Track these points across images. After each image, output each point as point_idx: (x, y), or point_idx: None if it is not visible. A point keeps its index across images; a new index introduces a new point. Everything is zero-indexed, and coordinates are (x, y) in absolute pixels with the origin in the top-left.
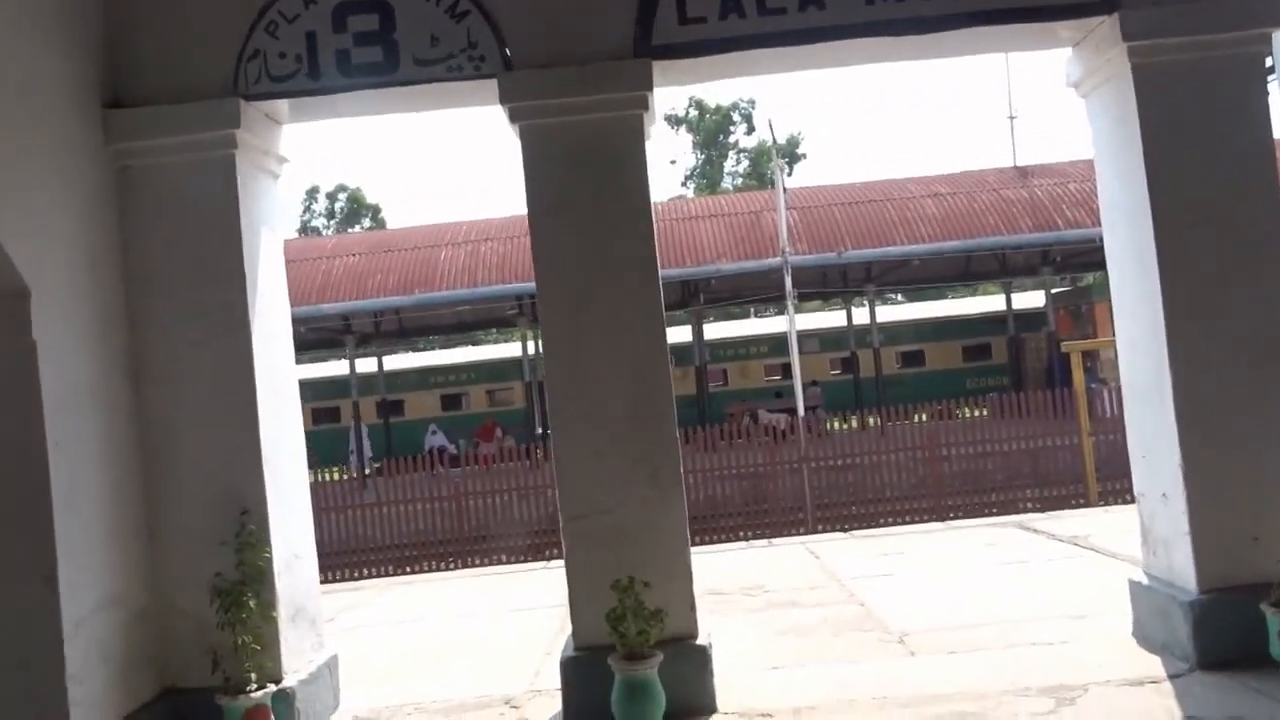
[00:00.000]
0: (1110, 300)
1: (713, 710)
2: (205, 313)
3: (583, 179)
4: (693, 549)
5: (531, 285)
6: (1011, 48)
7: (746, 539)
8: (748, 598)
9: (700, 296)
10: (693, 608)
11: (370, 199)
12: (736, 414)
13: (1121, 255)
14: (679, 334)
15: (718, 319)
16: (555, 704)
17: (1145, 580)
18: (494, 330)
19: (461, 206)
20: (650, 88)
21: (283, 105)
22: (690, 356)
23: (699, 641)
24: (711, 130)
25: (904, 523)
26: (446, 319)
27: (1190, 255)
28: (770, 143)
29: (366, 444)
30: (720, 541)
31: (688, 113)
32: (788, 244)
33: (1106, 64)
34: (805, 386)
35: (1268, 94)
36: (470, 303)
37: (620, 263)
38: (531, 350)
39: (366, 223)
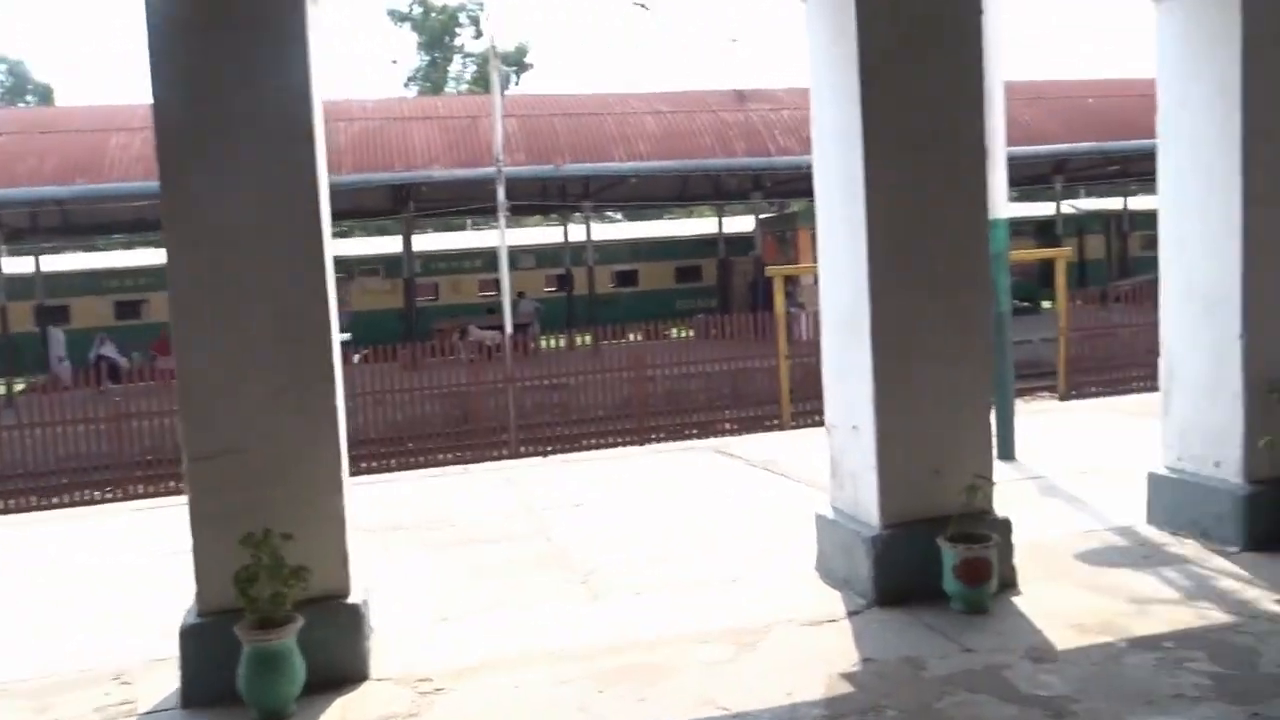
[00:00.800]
0: (815, 227)
1: (364, 677)
2: None
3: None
4: (384, 476)
5: None
6: None
7: (446, 464)
8: (431, 532)
9: (411, 204)
10: (345, 561)
11: (41, 77)
12: (446, 330)
13: (829, 180)
14: (391, 244)
15: (437, 229)
16: (176, 678)
17: (831, 514)
18: None
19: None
20: None
21: None
22: (399, 268)
23: (352, 600)
24: (436, 31)
25: (608, 445)
26: (124, 215)
27: (896, 183)
28: (493, 46)
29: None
30: (418, 467)
31: (411, 9)
32: (502, 154)
33: None
34: (516, 300)
35: (980, 19)
36: (145, 198)
37: (261, 132)
38: None
39: (31, 102)
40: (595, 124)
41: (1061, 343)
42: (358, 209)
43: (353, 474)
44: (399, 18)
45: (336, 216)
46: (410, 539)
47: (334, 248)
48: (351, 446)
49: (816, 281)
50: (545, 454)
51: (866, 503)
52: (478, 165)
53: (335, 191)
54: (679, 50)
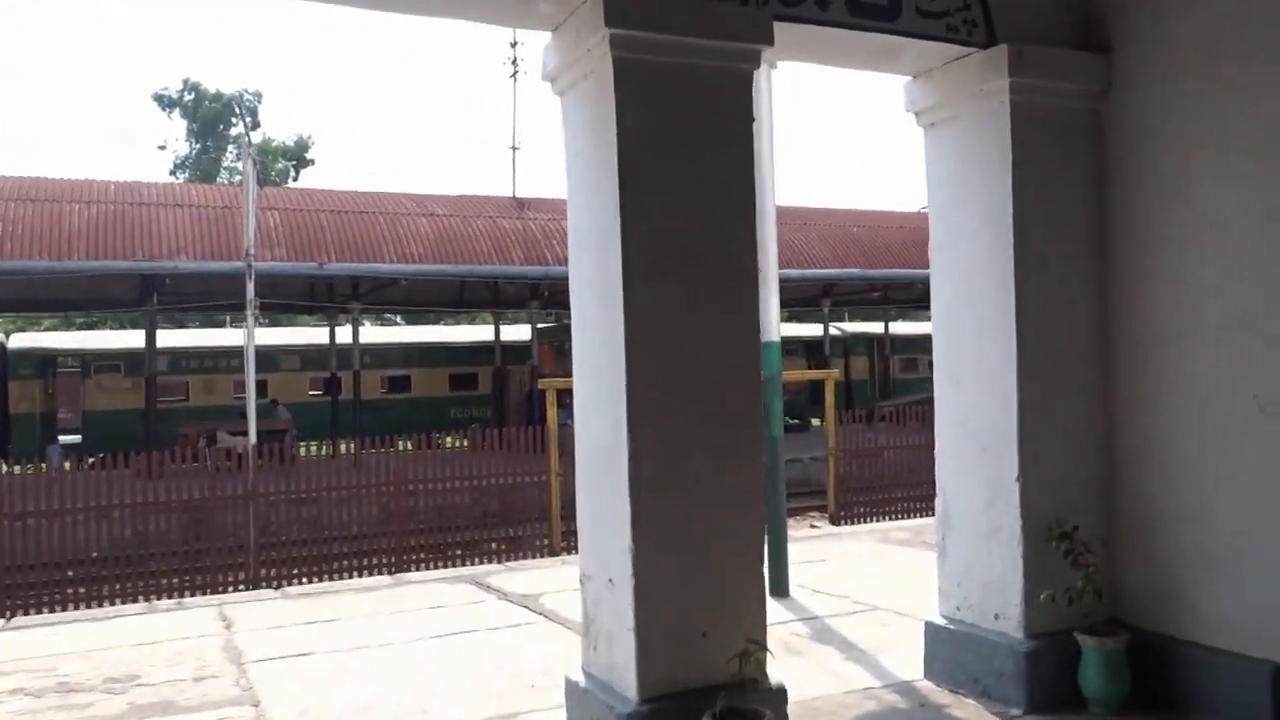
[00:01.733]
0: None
1: None
2: None
3: None
4: (77, 614)
5: None
6: (484, 15)
7: (172, 590)
8: (107, 698)
9: (154, 296)
10: None
11: None
12: (191, 435)
13: (585, 294)
14: (135, 338)
15: (201, 325)
16: None
17: (583, 681)
18: None
19: None
20: None
21: None
22: (143, 365)
23: None
24: (209, 118)
25: (363, 568)
26: None
27: (659, 294)
28: (253, 139)
29: None
30: (132, 599)
31: (181, 96)
32: (254, 247)
33: (587, 55)
34: (267, 406)
35: (751, 119)
36: None
37: None
38: None
39: None
40: (366, 223)
41: (831, 463)
42: (96, 298)
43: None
44: (166, 103)
45: (70, 306)
46: (76, 711)
47: (67, 340)
48: (62, 570)
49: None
50: (284, 583)
51: (623, 669)
52: (232, 258)
53: (68, 279)
54: (464, 156)
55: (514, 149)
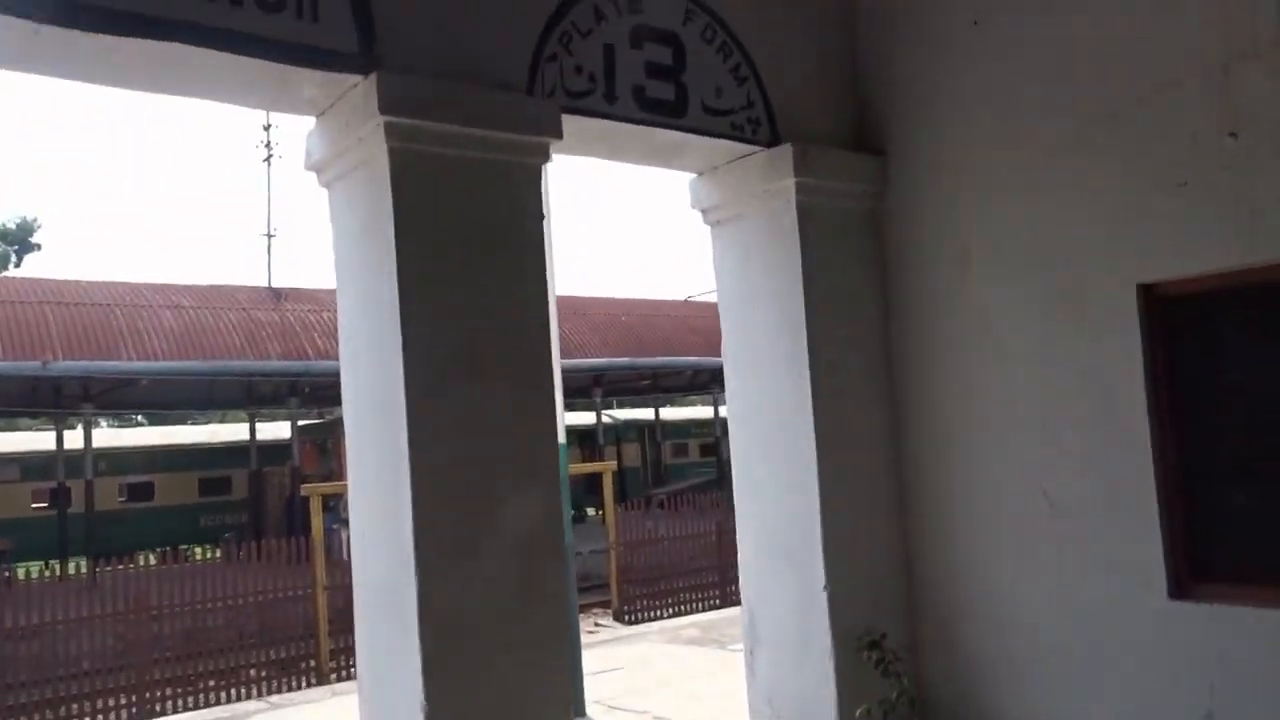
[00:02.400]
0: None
1: None
2: None
3: None
4: None
5: None
6: (241, 99)
7: None
8: None
9: None
10: None
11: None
12: None
13: (361, 403)
14: None
15: None
16: None
17: None
18: None
19: None
20: None
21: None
22: None
23: None
24: None
25: (98, 714)
26: None
27: (446, 408)
28: None
29: None
30: None
31: None
32: None
33: (359, 144)
34: None
35: (543, 215)
36: None
37: None
38: None
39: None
40: (100, 316)
41: (613, 556)
42: None
43: None
44: None
45: None
46: None
47: None
48: None
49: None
50: None
51: None
52: None
53: None
54: (215, 244)
55: (269, 236)
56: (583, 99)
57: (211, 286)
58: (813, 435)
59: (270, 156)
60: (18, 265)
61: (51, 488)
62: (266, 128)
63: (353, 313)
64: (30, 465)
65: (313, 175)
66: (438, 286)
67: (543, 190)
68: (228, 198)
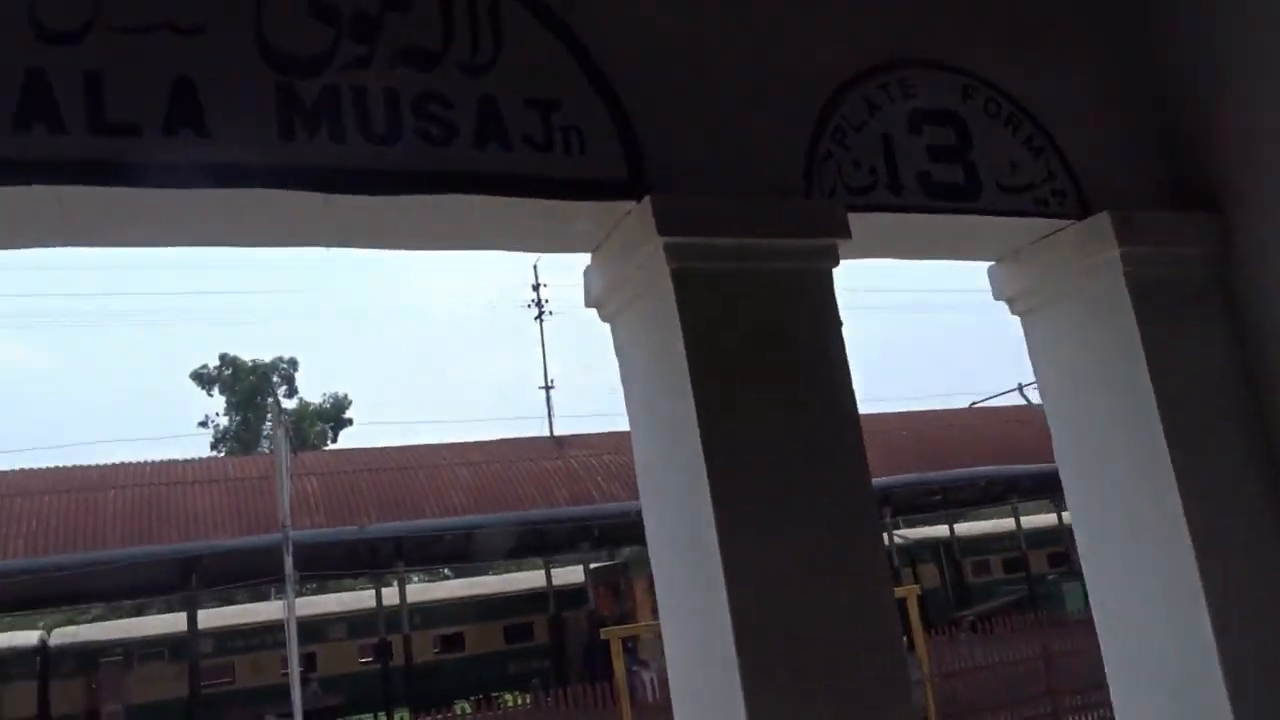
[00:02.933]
0: (650, 575)
1: None
2: None
3: None
4: None
5: None
6: (514, 244)
7: None
8: None
9: (193, 578)
10: None
11: None
12: None
13: (664, 542)
14: (176, 621)
15: (244, 600)
16: None
17: None
18: None
19: None
20: None
21: None
22: (186, 649)
23: None
24: (248, 390)
25: None
26: None
27: (765, 549)
28: (290, 405)
29: None
30: None
31: (220, 372)
32: (290, 518)
33: (638, 272)
34: (305, 683)
35: (840, 321)
36: None
37: None
38: None
39: None
40: (405, 478)
41: (928, 690)
42: (134, 585)
43: None
44: (205, 380)
45: (110, 595)
46: None
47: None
48: None
49: (659, 638)
50: None
51: None
52: (269, 530)
53: (104, 569)
54: (494, 392)
55: (547, 388)
56: (866, 194)
57: (500, 440)
58: (1188, 542)
59: (541, 315)
60: (334, 440)
61: (374, 643)
62: (536, 287)
63: (649, 446)
64: (355, 623)
65: (591, 313)
66: (739, 411)
67: (835, 298)
68: (500, 351)
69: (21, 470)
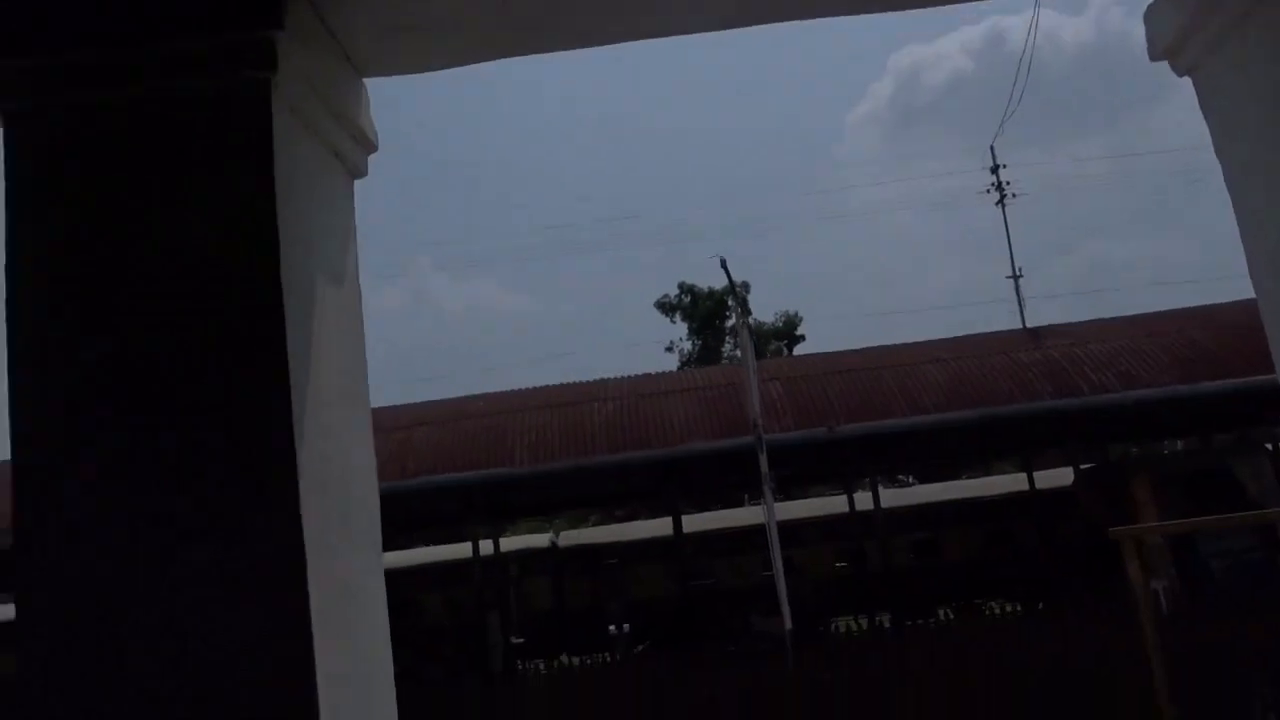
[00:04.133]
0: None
1: None
2: None
3: None
4: None
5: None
6: None
7: None
8: None
9: (672, 482)
10: None
11: None
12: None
13: None
14: (661, 526)
15: (725, 505)
16: None
17: None
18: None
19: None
20: None
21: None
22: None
23: None
24: (705, 316)
25: None
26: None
27: None
28: (743, 318)
29: None
30: None
31: (680, 299)
32: (761, 419)
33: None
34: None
35: None
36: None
37: None
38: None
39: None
40: (870, 379)
41: None
42: (619, 491)
43: None
44: (667, 309)
45: (598, 501)
46: None
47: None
48: None
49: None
50: None
51: None
52: (738, 435)
53: (591, 476)
54: (953, 294)
55: (1016, 277)
56: None
57: (967, 336)
58: None
59: (1003, 198)
60: (787, 355)
61: (849, 549)
62: (995, 169)
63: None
64: (827, 528)
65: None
66: None
67: None
68: (954, 248)
69: (517, 390)
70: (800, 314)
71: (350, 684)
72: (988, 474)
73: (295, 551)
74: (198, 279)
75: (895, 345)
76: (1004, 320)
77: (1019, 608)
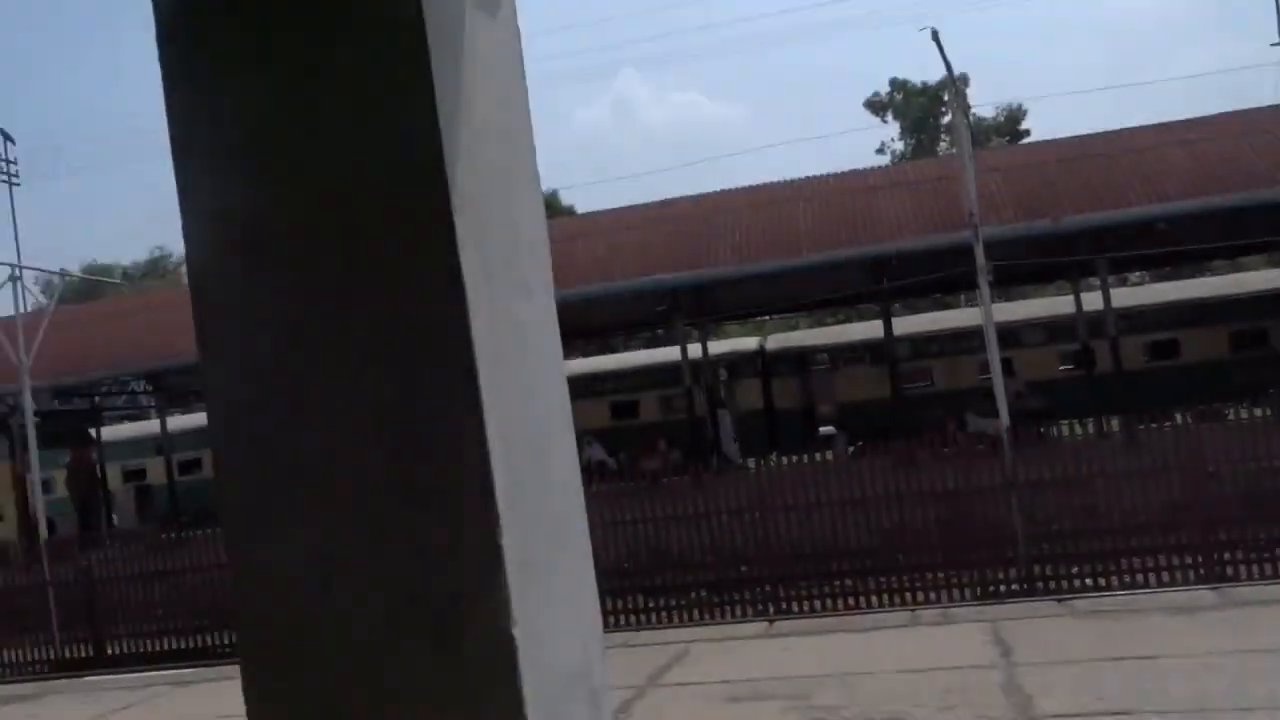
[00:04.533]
0: None
1: None
2: None
3: None
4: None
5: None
6: None
7: (929, 594)
8: None
9: (884, 280)
10: None
11: None
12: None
13: None
14: (871, 329)
15: (938, 307)
16: None
17: None
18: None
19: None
20: None
21: None
22: (883, 354)
23: None
24: (918, 114)
25: (1170, 572)
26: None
27: None
28: (956, 95)
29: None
30: (893, 600)
31: (891, 97)
32: (977, 211)
33: None
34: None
35: None
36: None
37: None
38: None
39: None
40: (1101, 167)
41: None
42: (828, 291)
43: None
44: (878, 109)
45: (805, 303)
46: None
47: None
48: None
49: None
50: (1062, 586)
51: None
52: (952, 230)
53: (800, 275)
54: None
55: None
56: None
57: (1220, 115)
58: None
59: None
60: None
61: (1075, 350)
62: None
63: None
64: (1053, 328)
65: None
66: None
67: None
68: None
69: (721, 192)
70: (1024, 106)
71: (525, 426)
72: (1235, 271)
73: (457, 295)
74: None
75: (1133, 128)
76: (1265, 97)
77: (1269, 413)
